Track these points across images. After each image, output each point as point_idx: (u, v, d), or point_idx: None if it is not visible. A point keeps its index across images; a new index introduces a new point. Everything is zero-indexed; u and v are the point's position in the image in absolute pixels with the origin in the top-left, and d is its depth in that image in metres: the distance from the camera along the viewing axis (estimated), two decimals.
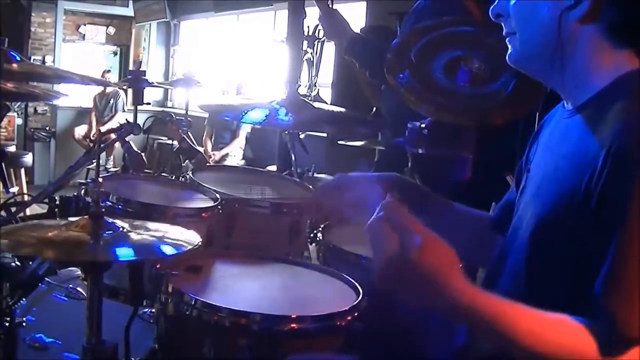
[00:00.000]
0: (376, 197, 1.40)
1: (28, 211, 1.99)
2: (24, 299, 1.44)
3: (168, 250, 1.25)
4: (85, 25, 9.62)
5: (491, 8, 1.16)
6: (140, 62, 9.16)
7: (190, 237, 1.33)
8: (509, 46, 1.15)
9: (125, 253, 1.23)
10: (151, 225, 1.38)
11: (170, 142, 4.30)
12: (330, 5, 2.53)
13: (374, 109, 3.03)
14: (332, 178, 1.53)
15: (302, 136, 2.66)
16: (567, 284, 1.00)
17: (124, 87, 7.03)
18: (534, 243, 1.07)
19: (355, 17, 5.38)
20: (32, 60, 8.08)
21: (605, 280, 0.92)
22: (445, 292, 0.91)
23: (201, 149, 4.95)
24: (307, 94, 2.76)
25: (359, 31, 2.86)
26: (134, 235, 1.27)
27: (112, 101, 8.07)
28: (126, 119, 2.18)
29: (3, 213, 1.72)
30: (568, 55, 1.07)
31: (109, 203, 1.77)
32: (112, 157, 7.67)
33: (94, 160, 1.95)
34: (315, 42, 2.99)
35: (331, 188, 1.47)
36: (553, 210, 1.03)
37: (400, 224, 0.92)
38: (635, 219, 0.89)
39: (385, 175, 1.41)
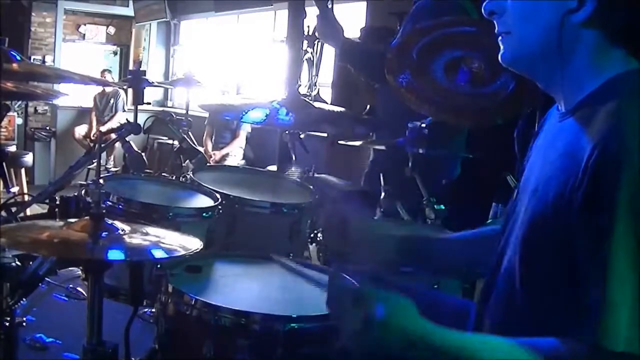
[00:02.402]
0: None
1: (28, 211, 1.99)
2: (24, 299, 1.44)
3: (159, 254, 1.26)
4: (85, 25, 9.61)
5: (484, 4, 1.13)
6: (141, 61, 9.16)
7: (187, 243, 1.33)
8: (501, 45, 1.13)
9: (116, 255, 1.24)
10: (151, 229, 1.39)
11: (170, 142, 4.30)
12: (330, 6, 2.52)
13: (368, 107, 3.03)
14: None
15: (302, 136, 2.67)
16: (558, 285, 1.00)
17: (124, 87, 7.02)
18: (525, 244, 1.07)
19: (355, 17, 5.38)
20: (32, 60, 8.07)
21: (587, 286, 0.92)
22: (418, 343, 0.98)
23: (201, 149, 4.95)
24: (307, 93, 2.75)
25: (359, 31, 2.87)
26: (129, 238, 1.28)
27: (112, 101, 8.06)
28: (126, 119, 2.18)
29: (3, 213, 1.72)
30: (567, 58, 1.06)
31: (110, 203, 1.77)
32: (112, 157, 7.66)
33: (94, 160, 1.95)
34: (315, 42, 2.99)
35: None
36: (542, 213, 1.03)
37: (361, 295, 1.00)
38: (619, 223, 0.88)
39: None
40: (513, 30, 1.10)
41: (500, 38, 1.13)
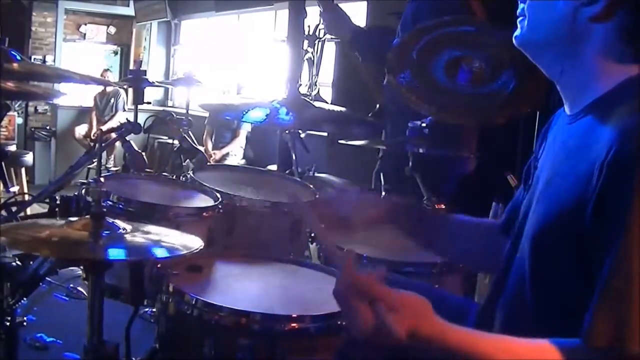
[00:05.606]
0: (364, 215, 1.42)
1: (29, 211, 1.99)
2: (24, 299, 1.44)
3: (161, 253, 1.26)
4: (85, 24, 9.60)
5: None
6: (141, 61, 9.15)
7: (188, 242, 1.33)
8: (518, 26, 1.13)
9: (117, 254, 1.24)
10: (152, 228, 1.39)
11: (170, 141, 4.30)
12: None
13: (377, 105, 3.02)
14: (328, 193, 1.54)
15: (302, 135, 2.67)
16: (568, 288, 1.00)
17: (125, 87, 7.02)
18: (535, 246, 1.07)
19: (356, 17, 5.38)
20: (32, 60, 8.07)
21: (598, 291, 0.91)
22: (432, 343, 0.94)
23: (202, 149, 4.95)
24: (308, 93, 2.75)
25: None
26: (131, 237, 1.27)
27: (112, 100, 8.06)
28: (127, 118, 2.18)
29: (3, 212, 1.72)
30: (578, 53, 1.06)
31: (110, 202, 1.77)
32: (112, 156, 7.66)
33: (94, 160, 1.95)
34: (316, 42, 2.99)
35: (323, 202, 1.48)
36: (552, 216, 1.03)
37: (369, 293, 0.95)
38: (633, 228, 0.88)
39: (384, 198, 1.43)
40: (528, 14, 1.11)
41: (519, 19, 1.14)
